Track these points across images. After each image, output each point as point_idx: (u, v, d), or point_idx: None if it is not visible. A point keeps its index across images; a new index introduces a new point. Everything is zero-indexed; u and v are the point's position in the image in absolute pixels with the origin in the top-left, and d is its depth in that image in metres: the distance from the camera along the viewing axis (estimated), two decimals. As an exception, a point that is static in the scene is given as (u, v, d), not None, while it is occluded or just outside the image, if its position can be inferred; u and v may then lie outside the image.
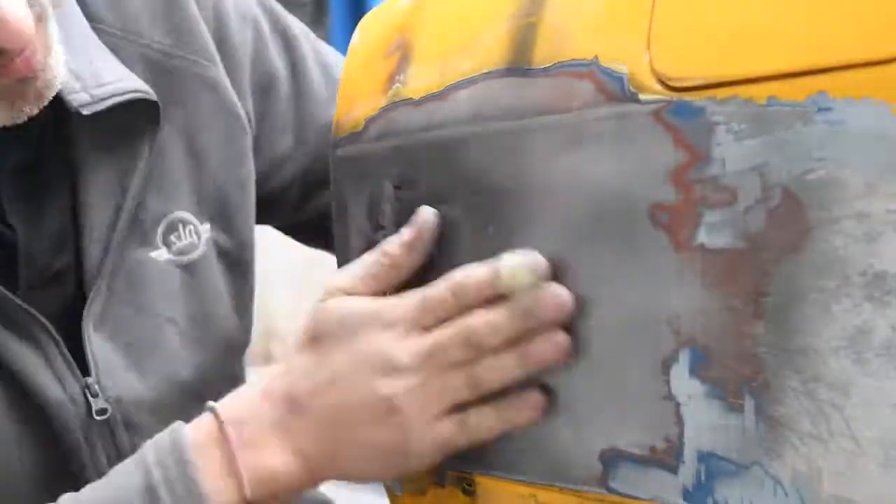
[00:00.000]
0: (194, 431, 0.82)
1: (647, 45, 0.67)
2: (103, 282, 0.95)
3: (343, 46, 1.00)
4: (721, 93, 0.63)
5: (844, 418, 0.58)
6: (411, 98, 0.83)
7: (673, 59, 0.66)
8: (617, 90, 0.68)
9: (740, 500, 0.63)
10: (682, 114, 0.65)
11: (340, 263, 0.93)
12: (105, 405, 0.93)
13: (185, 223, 1.00)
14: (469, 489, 0.81)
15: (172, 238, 0.99)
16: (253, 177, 1.05)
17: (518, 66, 0.75)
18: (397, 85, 0.85)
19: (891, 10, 0.56)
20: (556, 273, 0.72)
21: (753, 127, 0.61)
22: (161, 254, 0.98)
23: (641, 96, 0.67)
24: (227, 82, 1.03)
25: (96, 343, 0.94)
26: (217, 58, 1.03)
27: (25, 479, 0.92)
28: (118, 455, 0.93)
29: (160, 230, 0.98)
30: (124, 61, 0.97)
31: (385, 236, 0.84)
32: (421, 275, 0.80)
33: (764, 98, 0.61)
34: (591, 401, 0.71)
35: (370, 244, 0.85)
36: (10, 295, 0.90)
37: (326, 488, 1.13)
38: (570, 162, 0.71)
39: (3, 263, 0.93)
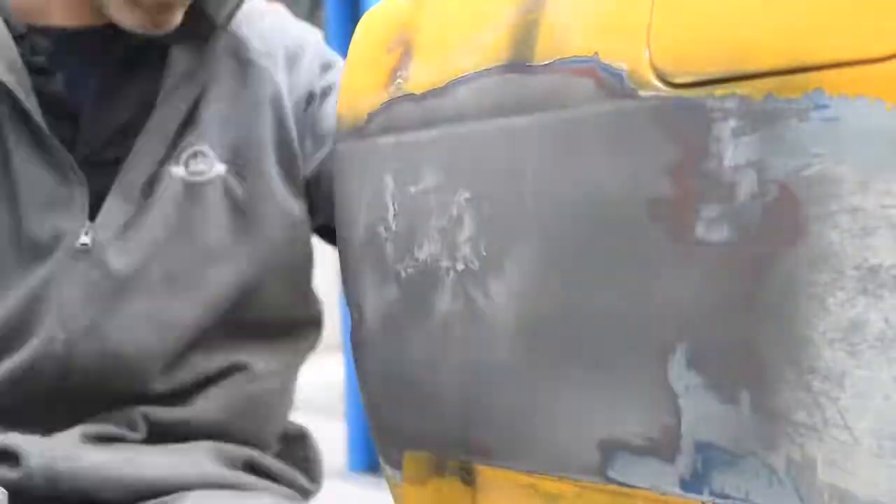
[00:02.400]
0: None
1: (646, 41, 0.68)
2: (136, 179, 1.20)
3: (337, 40, 1.01)
4: (719, 89, 0.64)
5: (839, 409, 0.59)
6: (413, 93, 0.84)
7: (672, 56, 0.67)
8: (617, 86, 0.69)
9: (737, 489, 0.64)
10: (681, 110, 0.65)
11: (342, 257, 0.94)
12: (88, 241, 1.19)
13: (205, 155, 1.23)
14: (469, 478, 0.82)
15: (191, 162, 1.22)
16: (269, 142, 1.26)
17: (519, 63, 0.76)
18: (399, 80, 0.86)
19: (886, 9, 0.56)
20: (556, 266, 0.73)
21: (751, 123, 0.62)
22: (179, 170, 1.22)
23: (641, 92, 0.68)
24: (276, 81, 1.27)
25: (111, 210, 1.20)
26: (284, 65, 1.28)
27: None
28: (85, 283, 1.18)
29: (185, 155, 1.22)
30: None
31: (387, 229, 0.85)
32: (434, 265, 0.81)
33: (761, 95, 0.62)
34: (591, 391, 0.72)
35: (372, 237, 0.86)
36: (58, 144, 1.19)
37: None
38: (570, 157, 0.72)
39: (65, 136, 1.19)
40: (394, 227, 0.86)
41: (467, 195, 0.79)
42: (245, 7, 1.25)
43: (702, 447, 0.65)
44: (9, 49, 1.19)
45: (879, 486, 0.57)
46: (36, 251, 1.19)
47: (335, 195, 0.93)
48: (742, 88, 0.63)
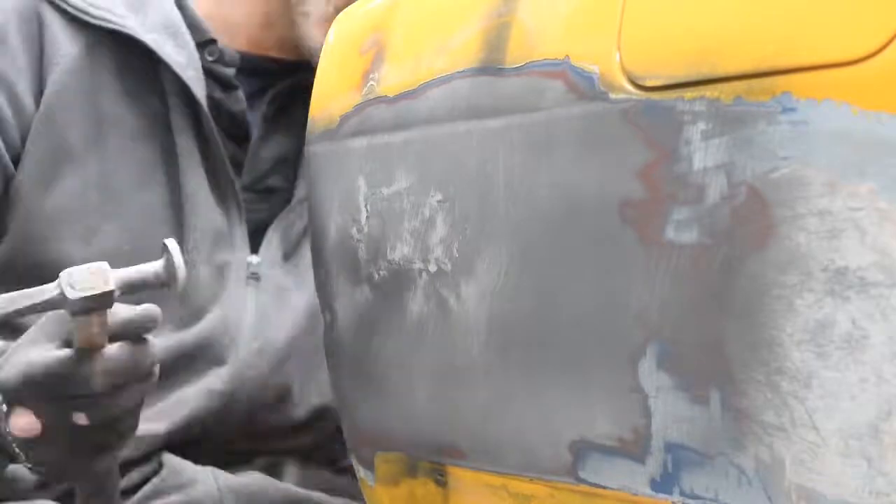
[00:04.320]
0: None
1: (617, 44, 0.68)
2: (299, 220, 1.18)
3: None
4: (689, 92, 0.64)
5: (807, 410, 0.59)
6: (386, 95, 0.84)
7: (643, 59, 0.67)
8: (587, 89, 0.69)
9: (706, 489, 0.64)
10: (651, 113, 0.66)
11: (315, 259, 0.94)
12: (258, 270, 1.17)
13: None
14: (441, 479, 0.82)
15: None
16: None
17: (491, 66, 0.76)
18: (371, 83, 0.86)
19: (852, 14, 0.57)
20: (527, 267, 0.73)
21: (720, 126, 0.62)
22: None
23: (612, 95, 0.68)
24: None
25: (271, 246, 1.18)
26: None
27: None
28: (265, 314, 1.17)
29: None
30: None
31: (359, 231, 0.85)
32: (402, 266, 0.81)
33: (730, 98, 0.62)
34: (562, 393, 0.72)
35: (345, 240, 0.86)
36: (229, 169, 1.16)
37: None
38: (542, 159, 0.72)
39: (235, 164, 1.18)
40: (366, 229, 0.86)
41: (439, 197, 0.79)
42: None
43: (672, 448, 0.66)
44: (191, 51, 1.16)
45: (847, 486, 0.58)
46: (197, 280, 1.15)
47: (308, 196, 0.93)
48: (711, 91, 0.63)
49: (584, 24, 0.71)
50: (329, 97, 0.90)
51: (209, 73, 1.17)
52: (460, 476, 0.80)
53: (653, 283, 0.66)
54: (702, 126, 0.63)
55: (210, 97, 1.16)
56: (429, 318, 0.81)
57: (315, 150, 0.91)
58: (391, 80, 0.84)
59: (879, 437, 0.56)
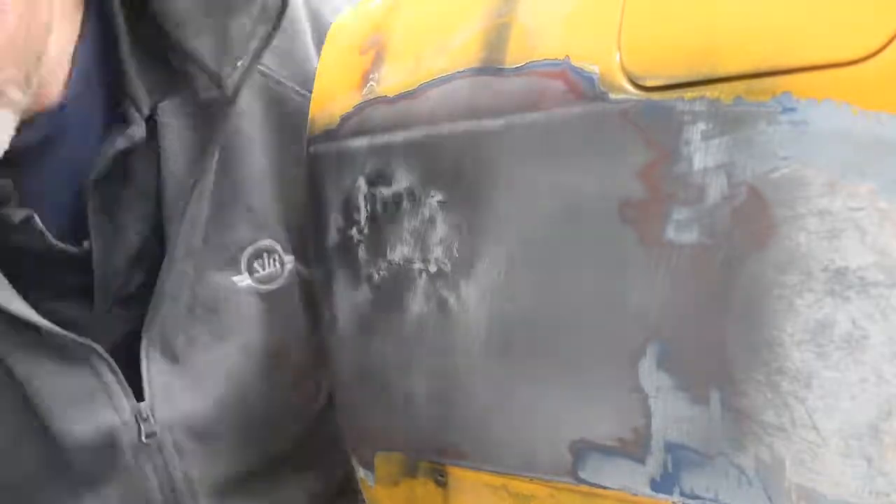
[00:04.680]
0: None
1: (617, 45, 0.68)
2: (180, 303, 0.93)
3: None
4: (689, 93, 0.64)
5: (807, 409, 0.59)
6: (386, 96, 0.84)
7: (643, 59, 0.67)
8: (587, 89, 0.69)
9: (706, 489, 0.64)
10: (652, 113, 0.66)
11: (315, 259, 0.94)
12: (154, 428, 0.92)
13: (270, 252, 0.98)
14: (441, 479, 0.82)
15: (256, 265, 0.97)
16: None
17: (491, 66, 0.76)
18: (372, 83, 0.86)
19: (852, 14, 0.57)
20: (527, 267, 0.74)
21: (720, 126, 0.62)
22: (243, 279, 0.96)
23: (612, 95, 0.68)
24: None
25: (155, 365, 0.93)
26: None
27: None
28: (169, 479, 0.93)
29: (245, 256, 0.97)
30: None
31: (360, 232, 0.85)
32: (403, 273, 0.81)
33: (731, 98, 0.62)
34: (562, 393, 0.72)
35: (345, 240, 0.86)
36: (69, 335, 0.88)
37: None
38: (542, 160, 0.72)
39: (77, 287, 0.91)
40: (366, 230, 0.86)
41: (439, 197, 0.79)
42: None
43: (672, 448, 0.66)
44: None
45: (847, 486, 0.58)
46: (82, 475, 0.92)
47: (308, 197, 0.93)
48: (712, 91, 0.63)
49: (584, 25, 0.71)
50: (329, 97, 0.90)
51: None
52: (460, 476, 0.80)
53: (653, 284, 0.66)
54: (702, 126, 0.63)
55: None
56: (429, 318, 0.81)
57: (315, 150, 0.91)
58: (391, 80, 0.84)
59: (879, 437, 0.56)
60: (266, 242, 0.97)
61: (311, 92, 0.94)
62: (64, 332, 0.88)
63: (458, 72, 0.78)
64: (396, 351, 0.85)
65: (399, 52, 0.85)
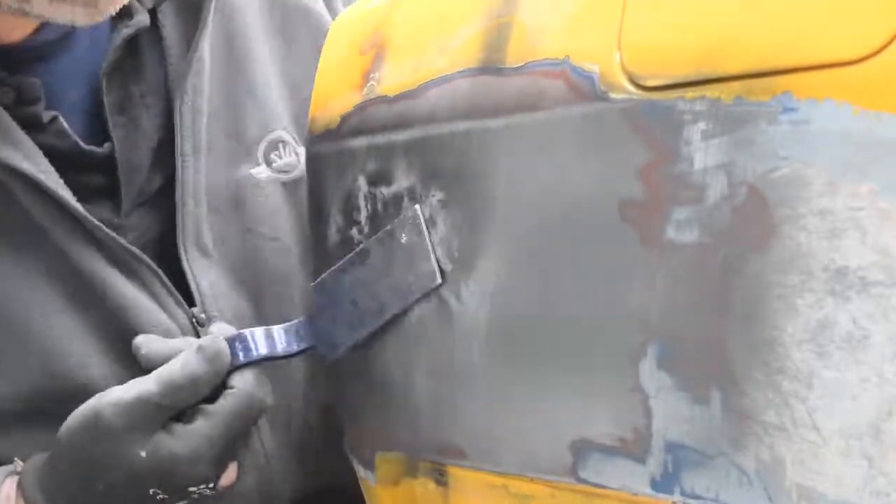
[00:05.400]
0: None
1: (618, 44, 0.68)
2: (202, 201, 0.93)
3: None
4: (690, 92, 0.64)
5: (807, 409, 0.59)
6: (386, 95, 0.84)
7: (643, 59, 0.67)
8: (588, 89, 0.69)
9: (706, 489, 0.64)
10: (652, 113, 0.66)
11: (316, 260, 0.94)
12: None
13: (284, 143, 0.99)
14: (441, 479, 0.82)
15: (273, 156, 0.98)
16: None
17: (491, 65, 0.76)
18: (372, 82, 0.86)
19: (853, 14, 0.57)
20: (528, 267, 0.74)
21: (721, 126, 0.63)
22: (262, 171, 0.97)
23: (612, 95, 0.68)
24: (327, 21, 1.03)
25: (199, 269, 0.93)
26: None
27: None
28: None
29: (262, 148, 0.98)
30: None
31: (360, 232, 0.85)
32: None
33: (731, 98, 0.62)
34: (562, 392, 0.72)
35: (345, 240, 0.86)
36: (111, 233, 0.89)
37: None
38: (542, 160, 0.72)
39: (103, 190, 0.92)
40: (367, 229, 0.86)
41: (440, 197, 0.79)
42: None
43: (672, 447, 0.66)
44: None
45: (848, 486, 0.58)
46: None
47: (308, 196, 0.93)
48: (712, 91, 0.63)
49: (585, 24, 0.71)
50: (329, 97, 0.90)
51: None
52: (460, 476, 0.80)
53: (653, 283, 0.66)
54: (702, 126, 0.63)
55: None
56: (429, 317, 0.81)
57: (315, 149, 0.91)
58: (391, 79, 0.84)
59: (880, 436, 0.56)
60: (279, 133, 0.98)
61: None
62: (125, 244, 0.90)
63: (459, 71, 0.78)
64: (396, 350, 0.85)
65: (399, 51, 0.85)
